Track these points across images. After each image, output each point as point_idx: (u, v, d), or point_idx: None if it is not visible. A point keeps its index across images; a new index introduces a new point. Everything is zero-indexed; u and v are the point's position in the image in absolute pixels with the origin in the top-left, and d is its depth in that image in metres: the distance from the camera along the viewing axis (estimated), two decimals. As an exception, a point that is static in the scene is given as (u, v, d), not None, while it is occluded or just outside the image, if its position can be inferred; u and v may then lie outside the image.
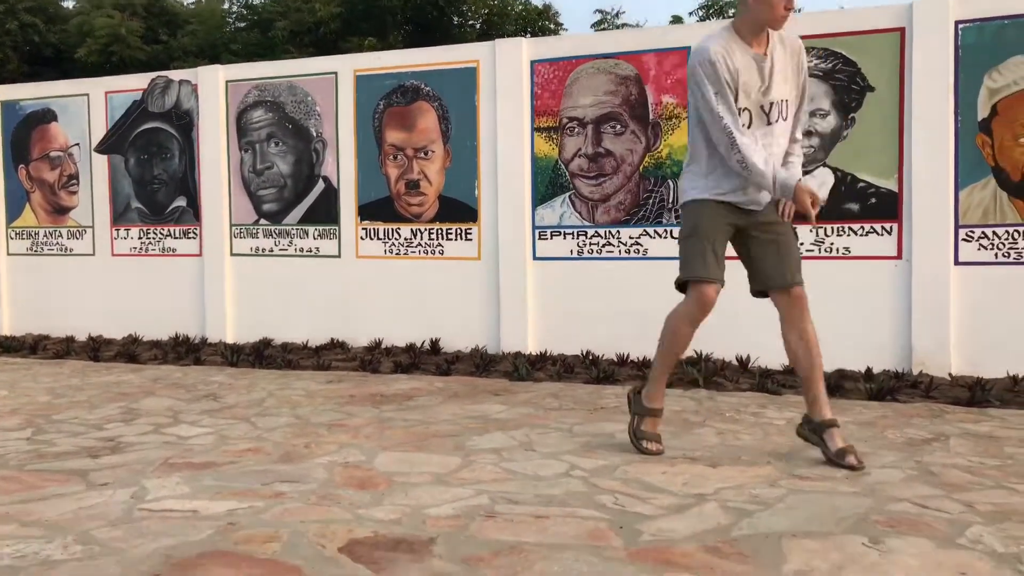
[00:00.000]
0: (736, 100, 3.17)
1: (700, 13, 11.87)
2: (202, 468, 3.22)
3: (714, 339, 5.74)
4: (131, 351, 6.52)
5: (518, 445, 3.55)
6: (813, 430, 3.32)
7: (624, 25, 12.51)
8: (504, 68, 6.36)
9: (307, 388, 4.93)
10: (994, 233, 5.35)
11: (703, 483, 2.99)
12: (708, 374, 5.18)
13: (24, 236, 8.05)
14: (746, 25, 3.23)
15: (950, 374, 5.29)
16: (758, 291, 3.42)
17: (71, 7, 11.75)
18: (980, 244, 5.38)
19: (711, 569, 2.21)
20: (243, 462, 3.31)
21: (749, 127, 3.20)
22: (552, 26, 12.58)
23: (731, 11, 11.84)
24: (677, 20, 11.34)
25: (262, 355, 6.20)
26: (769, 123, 3.22)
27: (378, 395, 4.69)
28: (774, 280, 3.30)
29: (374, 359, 5.99)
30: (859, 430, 3.78)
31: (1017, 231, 5.29)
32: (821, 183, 4.64)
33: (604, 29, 12.26)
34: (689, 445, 3.52)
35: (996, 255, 5.35)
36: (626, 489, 2.92)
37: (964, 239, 5.41)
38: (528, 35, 12.14)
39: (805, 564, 2.23)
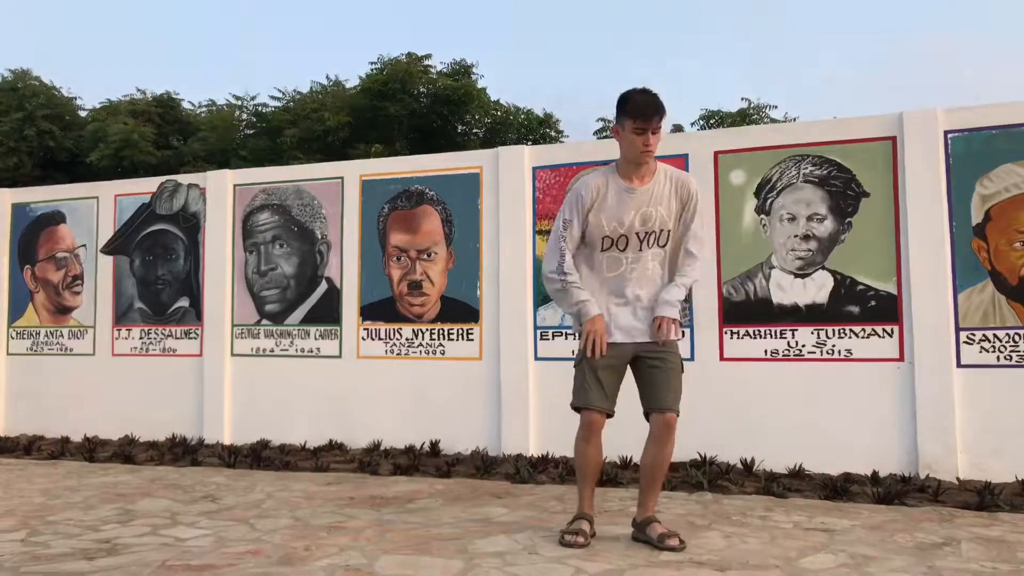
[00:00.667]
0: (608, 227, 3.63)
1: (700, 123, 12.22)
2: (200, 571, 3.14)
3: (718, 442, 5.72)
4: (127, 452, 6.44)
5: (522, 549, 3.48)
6: (639, 527, 3.66)
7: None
8: (507, 174, 6.53)
9: (306, 490, 4.85)
10: (995, 336, 5.38)
11: (712, 588, 2.92)
12: (712, 477, 5.12)
13: (25, 336, 8.07)
14: (621, 165, 3.69)
15: (958, 478, 5.23)
16: (645, 411, 3.70)
17: (86, 114, 12.13)
18: (981, 347, 5.41)
19: (725, 677, 2.15)
20: (242, 565, 3.23)
21: (624, 250, 3.64)
22: (553, 133, 12.94)
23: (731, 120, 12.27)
24: (678, 129, 11.68)
25: (260, 456, 6.12)
26: (642, 249, 3.64)
27: (378, 497, 4.61)
28: (651, 403, 3.63)
29: (373, 461, 5.91)
30: (868, 534, 3.71)
31: (1018, 334, 5.32)
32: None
33: (606, 137, 12.64)
34: (696, 549, 3.45)
35: (998, 358, 5.37)
36: (634, 594, 2.86)
37: (965, 341, 5.44)
38: (530, 142, 12.49)
39: (821, 672, 2.17)
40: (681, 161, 6.12)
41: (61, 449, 6.74)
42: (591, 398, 3.61)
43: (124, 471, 5.68)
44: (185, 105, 12.78)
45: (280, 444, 6.83)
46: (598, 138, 12.55)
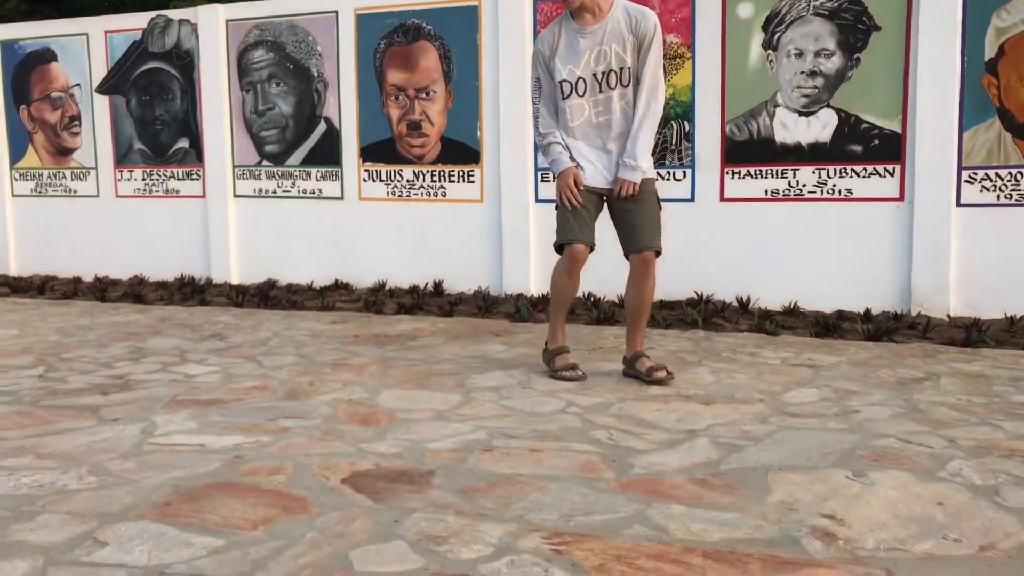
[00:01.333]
0: (564, 71, 3.62)
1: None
2: (209, 405, 3.31)
3: (716, 282, 5.81)
4: (137, 292, 6.60)
5: (517, 383, 3.63)
6: (628, 363, 3.76)
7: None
8: (506, 6, 6.29)
9: (312, 328, 5.01)
10: (997, 175, 5.35)
11: (695, 420, 3.07)
12: (707, 315, 5.24)
13: (28, 177, 8.08)
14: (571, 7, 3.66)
15: (948, 315, 5.34)
16: (624, 253, 3.76)
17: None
18: (983, 186, 5.39)
19: (699, 499, 2.30)
20: (249, 399, 3.39)
21: (583, 94, 3.62)
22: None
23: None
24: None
25: (267, 296, 6.27)
26: (603, 90, 3.61)
27: (381, 335, 4.77)
28: (628, 245, 3.70)
29: (378, 300, 6.06)
30: (852, 370, 3.84)
31: (1020, 172, 5.28)
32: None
33: None
34: (683, 384, 3.60)
35: (998, 197, 5.36)
36: (620, 425, 3.01)
37: (967, 181, 5.41)
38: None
39: (789, 495, 2.32)
40: (688, -7, 5.88)
41: (73, 289, 6.90)
42: (575, 233, 3.66)
43: (134, 311, 5.84)
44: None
45: (287, 284, 6.97)
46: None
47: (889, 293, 5.59)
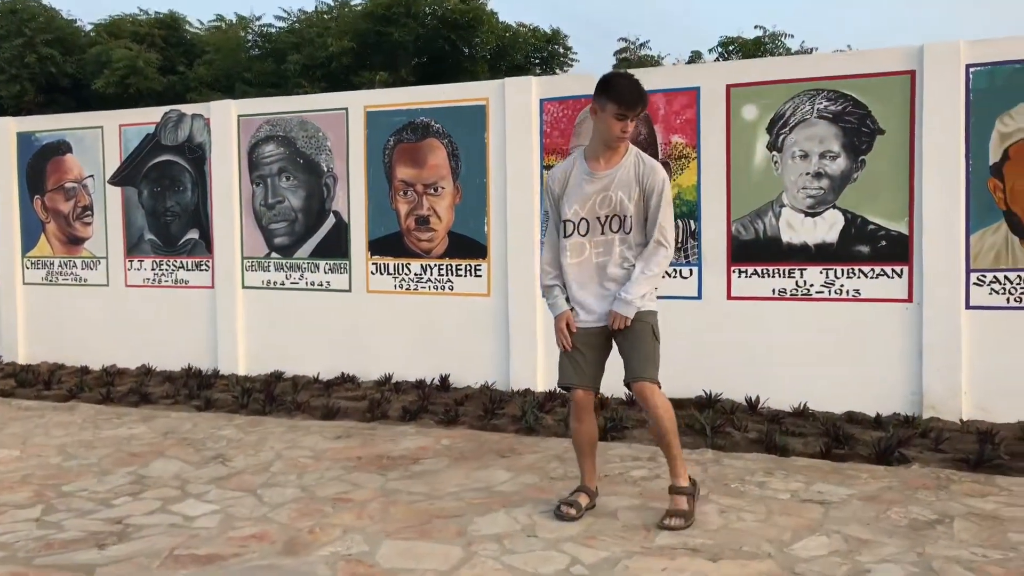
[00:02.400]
0: (569, 211, 3.66)
1: (719, 50, 11.69)
2: (207, 563, 3.24)
3: (724, 381, 5.77)
4: (143, 388, 6.58)
5: (520, 529, 3.55)
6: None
7: (647, 55, 12.38)
8: (513, 106, 6.35)
9: (315, 447, 4.94)
10: (1006, 278, 5.31)
11: (703, 584, 2.98)
12: (716, 420, 5.16)
13: (40, 266, 8.15)
14: (592, 145, 3.71)
15: (961, 419, 5.27)
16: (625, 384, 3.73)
17: (90, 32, 11.76)
18: (992, 288, 5.35)
19: None
20: (247, 554, 3.32)
21: (585, 235, 3.66)
22: (562, 50, 12.36)
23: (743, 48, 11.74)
24: (697, 56, 11.18)
25: (272, 396, 6.21)
26: (604, 233, 3.66)
27: (385, 456, 4.70)
28: (626, 374, 3.69)
29: (383, 398, 6.03)
30: (863, 508, 3.75)
31: (1030, 276, 5.24)
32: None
33: (627, 58, 12.08)
34: (691, 530, 3.51)
35: (1008, 300, 5.32)
36: (625, 594, 2.93)
37: (976, 283, 5.37)
38: (538, 61, 11.99)
39: None
40: (692, 95, 5.93)
41: (79, 384, 6.86)
42: (569, 377, 3.73)
43: (139, 418, 5.78)
44: (192, 23, 12.33)
45: (293, 375, 6.96)
46: (617, 59, 11.97)
47: (900, 394, 5.53)
